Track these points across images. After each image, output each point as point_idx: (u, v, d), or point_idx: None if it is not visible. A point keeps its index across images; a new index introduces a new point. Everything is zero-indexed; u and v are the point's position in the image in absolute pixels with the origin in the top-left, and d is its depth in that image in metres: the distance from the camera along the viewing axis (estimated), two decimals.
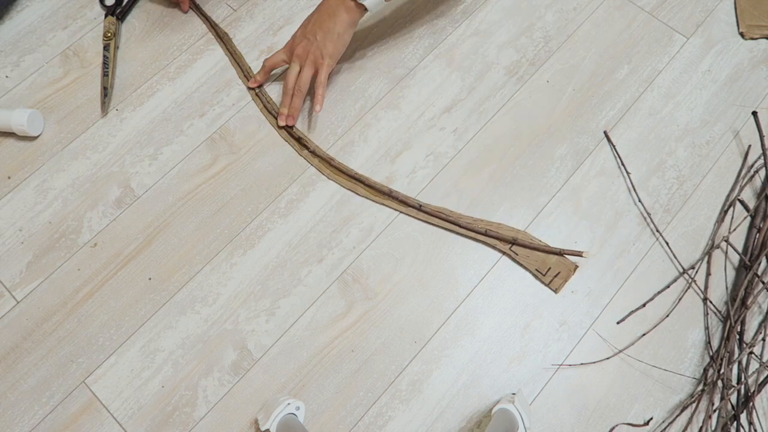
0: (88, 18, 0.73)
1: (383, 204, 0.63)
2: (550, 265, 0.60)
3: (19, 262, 0.61)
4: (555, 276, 0.59)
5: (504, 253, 0.61)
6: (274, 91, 0.69)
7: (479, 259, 0.61)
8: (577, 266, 0.60)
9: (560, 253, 0.60)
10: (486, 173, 0.65)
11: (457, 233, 0.62)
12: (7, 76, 0.69)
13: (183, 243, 0.62)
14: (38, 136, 0.66)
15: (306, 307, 0.59)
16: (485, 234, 0.61)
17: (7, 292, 0.59)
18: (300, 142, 0.65)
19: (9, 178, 0.64)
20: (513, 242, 0.60)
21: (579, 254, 0.59)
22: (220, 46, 0.71)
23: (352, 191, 0.63)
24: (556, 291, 0.60)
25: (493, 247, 0.61)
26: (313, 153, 0.65)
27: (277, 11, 0.73)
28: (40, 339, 0.58)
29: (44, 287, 0.60)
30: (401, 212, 0.62)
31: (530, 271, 0.60)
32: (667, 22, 0.73)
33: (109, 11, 0.72)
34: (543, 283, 0.60)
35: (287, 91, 0.65)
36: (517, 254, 0.60)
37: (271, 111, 0.67)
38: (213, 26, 0.71)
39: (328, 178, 0.64)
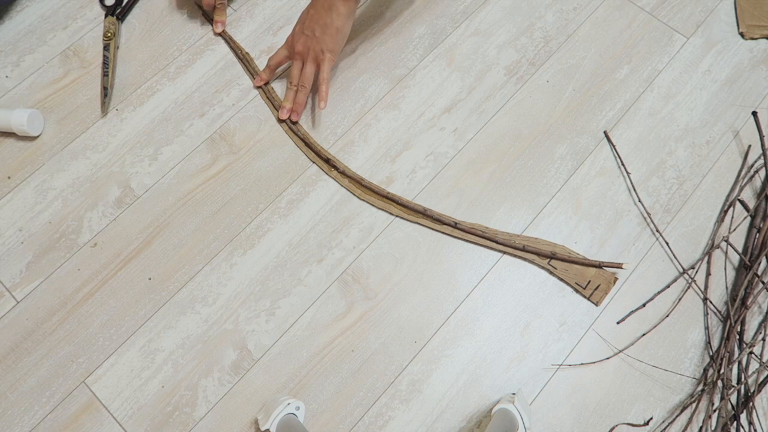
0: (88, 18, 0.73)
1: (417, 222, 0.62)
2: (590, 278, 0.59)
3: (19, 262, 0.61)
4: (595, 289, 0.59)
5: (543, 267, 0.60)
6: (279, 88, 0.69)
7: (479, 260, 0.61)
8: (616, 278, 0.59)
9: (599, 265, 0.59)
10: (486, 173, 0.65)
11: (495, 249, 0.61)
12: (7, 76, 0.69)
13: (183, 243, 0.62)
14: (38, 136, 0.66)
15: (306, 307, 0.59)
16: (523, 249, 0.60)
17: (7, 292, 0.59)
18: (329, 163, 0.64)
19: (9, 178, 0.64)
20: (552, 257, 0.60)
21: (619, 266, 0.59)
22: (242, 68, 0.70)
23: (384, 210, 0.63)
24: (597, 304, 0.59)
25: (532, 262, 0.61)
26: (343, 173, 0.64)
27: (277, 11, 0.73)
28: (40, 339, 0.58)
29: (44, 287, 0.60)
30: (436, 230, 0.62)
31: (570, 285, 0.60)
32: (667, 22, 0.73)
33: (109, 11, 0.72)
34: (584, 296, 0.59)
35: (291, 86, 0.65)
36: (555, 268, 0.60)
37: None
38: (235, 48, 0.70)
39: (359, 198, 0.63)
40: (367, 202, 0.63)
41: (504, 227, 0.62)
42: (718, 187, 0.65)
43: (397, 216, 0.62)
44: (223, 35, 0.72)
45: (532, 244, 0.61)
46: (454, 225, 0.61)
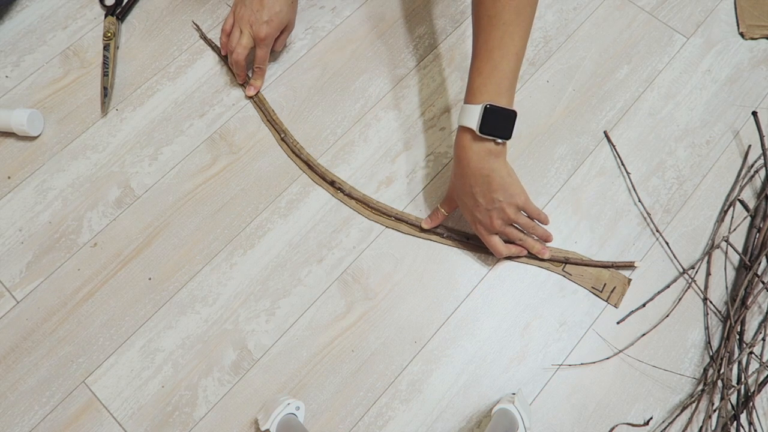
0: (88, 18, 0.73)
1: (428, 239, 0.62)
2: (605, 281, 0.60)
3: (19, 262, 0.61)
4: (612, 291, 0.60)
5: (558, 274, 0.60)
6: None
7: (479, 259, 0.61)
8: (630, 280, 0.60)
9: (612, 265, 0.60)
10: None
11: (511, 260, 0.61)
12: (7, 76, 0.69)
13: (183, 243, 0.62)
14: (38, 136, 0.66)
15: (306, 307, 0.59)
16: (537, 258, 0.60)
17: (7, 292, 0.59)
18: (334, 185, 0.63)
19: (9, 178, 0.64)
20: (566, 262, 0.60)
21: (630, 265, 0.59)
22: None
23: (395, 230, 0.62)
24: (616, 306, 0.59)
25: (547, 269, 0.61)
26: (349, 195, 0.63)
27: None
28: (40, 339, 0.58)
29: (44, 287, 0.60)
30: (448, 245, 0.62)
31: (587, 290, 0.60)
32: (667, 22, 0.73)
33: (109, 11, 0.72)
34: (602, 299, 0.60)
35: (529, 245, 0.59)
36: (570, 274, 0.60)
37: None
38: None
39: (368, 219, 0.62)
40: (378, 223, 0.62)
41: None
42: (718, 187, 0.65)
43: (407, 234, 0.62)
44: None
45: None
46: (467, 240, 0.61)
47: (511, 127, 0.51)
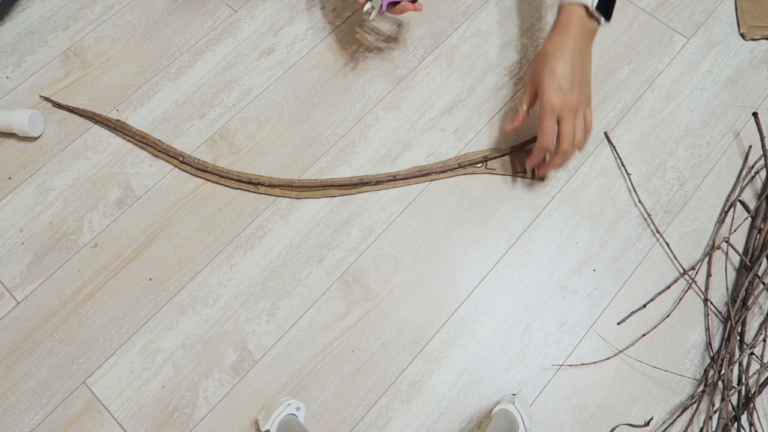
0: (88, 19, 0.73)
1: (360, 192, 0.64)
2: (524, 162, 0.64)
3: (20, 263, 0.61)
4: (533, 170, 0.64)
5: (484, 173, 0.64)
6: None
7: (480, 260, 0.61)
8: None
9: (524, 144, 0.65)
10: (486, 174, 0.65)
11: (438, 179, 0.64)
12: (7, 77, 0.69)
13: (183, 243, 0.62)
14: (39, 137, 0.66)
15: (306, 307, 0.59)
16: (461, 167, 0.63)
17: (8, 292, 0.59)
18: (251, 182, 0.63)
19: (9, 178, 0.64)
20: (485, 160, 0.64)
21: (533, 141, 0.63)
22: (147, 149, 0.65)
23: (326, 197, 0.63)
24: (543, 179, 0.64)
25: (473, 173, 0.64)
26: (270, 185, 0.63)
27: (278, 12, 0.73)
28: (40, 340, 0.58)
29: (45, 288, 0.60)
30: (379, 190, 0.64)
31: (513, 176, 0.64)
32: (667, 23, 0.73)
33: None
34: (528, 179, 0.64)
35: (564, 151, 0.56)
36: (494, 169, 0.64)
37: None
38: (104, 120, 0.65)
39: (299, 198, 0.63)
40: (309, 198, 0.63)
41: (504, 228, 0.63)
42: (719, 188, 0.65)
43: (339, 196, 0.63)
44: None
45: (465, 159, 0.64)
46: (394, 178, 0.63)
47: (612, 10, 0.57)
